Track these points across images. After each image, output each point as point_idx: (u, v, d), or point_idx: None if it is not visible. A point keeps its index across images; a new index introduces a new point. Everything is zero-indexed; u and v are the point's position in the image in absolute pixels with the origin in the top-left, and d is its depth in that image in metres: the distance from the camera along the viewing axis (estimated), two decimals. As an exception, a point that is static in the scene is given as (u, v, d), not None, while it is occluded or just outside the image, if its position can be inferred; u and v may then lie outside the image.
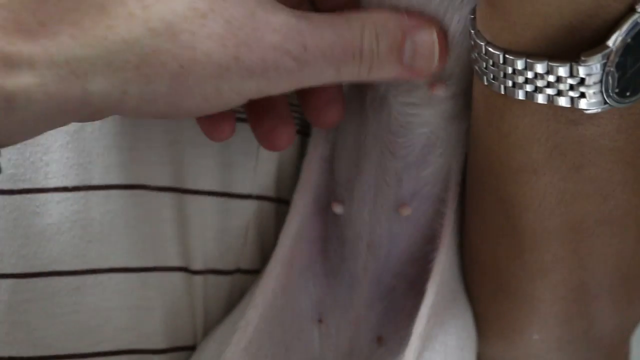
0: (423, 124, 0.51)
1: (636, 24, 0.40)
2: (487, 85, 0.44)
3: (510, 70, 0.43)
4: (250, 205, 0.54)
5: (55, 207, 0.50)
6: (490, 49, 0.43)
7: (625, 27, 0.40)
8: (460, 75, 0.49)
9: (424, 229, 0.53)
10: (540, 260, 0.49)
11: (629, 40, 0.41)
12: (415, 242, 0.53)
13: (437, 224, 0.52)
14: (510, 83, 0.43)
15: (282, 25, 0.43)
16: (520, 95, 0.43)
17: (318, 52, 0.44)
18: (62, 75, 0.39)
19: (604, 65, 0.41)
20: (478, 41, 0.44)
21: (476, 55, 0.44)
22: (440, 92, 0.50)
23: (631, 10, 0.40)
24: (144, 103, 0.42)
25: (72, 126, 0.50)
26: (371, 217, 0.53)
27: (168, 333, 0.53)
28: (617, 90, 0.42)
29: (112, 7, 0.41)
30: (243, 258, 0.55)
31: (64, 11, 0.40)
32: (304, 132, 0.56)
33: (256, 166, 0.54)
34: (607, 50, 0.41)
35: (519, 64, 0.42)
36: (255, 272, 0.55)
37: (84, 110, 0.41)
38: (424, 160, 0.52)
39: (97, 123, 0.51)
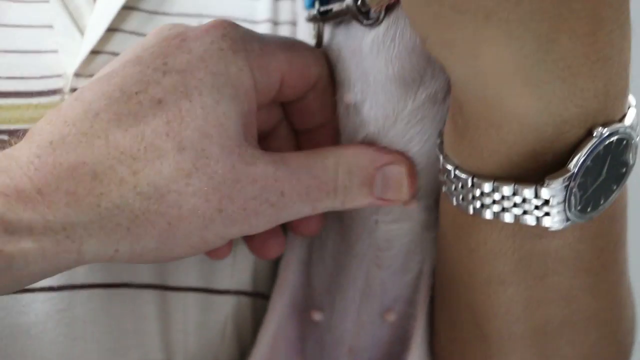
0: (405, 235, 0.53)
1: (594, 147, 0.43)
2: (455, 205, 0.47)
3: (478, 192, 0.45)
4: (229, 301, 0.56)
5: (41, 306, 0.51)
6: (458, 173, 0.45)
7: (584, 151, 0.43)
8: (431, 190, 0.52)
9: (400, 330, 0.55)
10: None
11: (588, 162, 0.43)
12: (393, 343, 0.56)
13: (409, 325, 0.55)
14: (478, 204, 0.45)
15: (260, 176, 0.47)
16: (488, 215, 0.45)
17: (295, 196, 0.48)
18: (59, 240, 0.43)
19: (567, 187, 0.43)
20: (446, 165, 0.46)
21: (445, 177, 0.47)
22: (414, 206, 0.52)
23: (589, 135, 0.43)
24: (134, 256, 0.46)
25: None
26: (355, 325, 0.55)
27: None
28: (579, 208, 0.44)
29: (103, 174, 0.44)
30: (222, 353, 0.56)
31: (59, 179, 0.44)
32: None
33: (234, 262, 0.56)
34: (569, 174, 0.43)
35: (487, 187, 0.44)
36: None
37: (77, 265, 0.45)
38: (406, 267, 0.54)
39: None
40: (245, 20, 0.57)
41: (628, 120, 0.44)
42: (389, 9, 0.49)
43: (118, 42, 0.55)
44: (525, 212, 0.44)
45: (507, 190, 0.44)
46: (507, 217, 0.45)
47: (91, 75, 0.53)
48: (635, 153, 0.45)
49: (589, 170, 0.43)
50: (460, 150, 0.45)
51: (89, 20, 0.55)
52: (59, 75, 0.54)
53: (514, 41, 0.40)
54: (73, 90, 0.53)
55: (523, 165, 0.44)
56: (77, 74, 0.53)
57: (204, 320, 0.55)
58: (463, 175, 0.45)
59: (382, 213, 0.53)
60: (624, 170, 0.45)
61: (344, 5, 0.50)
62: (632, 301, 0.53)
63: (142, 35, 0.55)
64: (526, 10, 0.39)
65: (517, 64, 0.41)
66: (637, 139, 0.45)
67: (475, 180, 0.45)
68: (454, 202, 0.47)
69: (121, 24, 0.55)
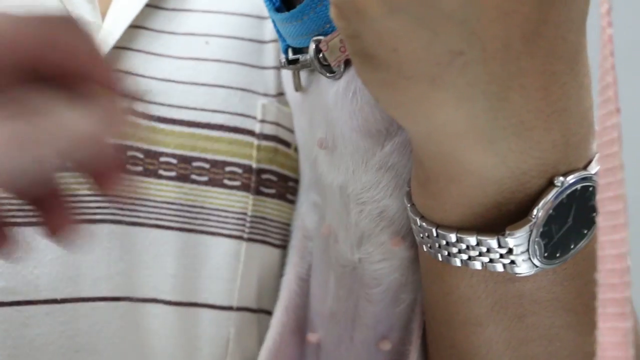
0: (394, 271, 0.54)
1: (556, 196, 0.42)
2: (425, 252, 0.47)
3: (444, 242, 0.45)
4: (232, 317, 0.57)
5: (44, 319, 0.53)
6: (423, 223, 0.45)
7: (545, 201, 0.42)
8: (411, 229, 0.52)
9: (396, 358, 0.56)
10: None
11: (551, 211, 0.43)
12: None
13: (405, 353, 0.55)
14: (445, 252, 0.45)
15: None
16: (457, 262, 0.45)
17: None
18: None
19: (529, 236, 0.43)
20: (412, 215, 0.46)
21: (413, 225, 0.47)
22: (399, 246, 0.52)
23: (550, 184, 0.42)
24: None
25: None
26: (349, 351, 0.56)
27: None
28: (545, 255, 0.44)
29: None
30: None
31: None
32: (284, 247, 0.60)
33: (237, 279, 0.57)
34: (530, 223, 0.43)
35: (451, 238, 0.44)
36: None
37: None
38: (398, 299, 0.55)
39: (85, 239, 0.53)
40: (252, 40, 0.58)
41: (594, 167, 0.43)
42: (348, 63, 0.49)
43: (125, 60, 0.56)
44: (491, 260, 0.44)
45: (470, 240, 0.44)
46: (475, 265, 0.45)
47: None
48: None
49: (552, 219, 0.43)
50: (424, 201, 0.45)
51: (97, 39, 0.55)
52: None
53: (463, 103, 0.39)
54: None
55: (486, 215, 0.43)
56: None
57: (208, 336, 0.56)
58: (428, 226, 0.45)
59: (364, 252, 0.53)
60: (594, 214, 0.44)
61: (307, 57, 0.50)
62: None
63: (149, 53, 0.56)
64: (473, 73, 0.39)
65: (469, 123, 0.40)
66: None
67: (439, 230, 0.45)
68: (424, 249, 0.47)
69: (129, 43, 0.56)
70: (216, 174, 0.57)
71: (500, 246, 0.43)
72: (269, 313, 0.58)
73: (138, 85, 0.55)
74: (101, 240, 0.54)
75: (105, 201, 0.54)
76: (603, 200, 0.34)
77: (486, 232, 0.43)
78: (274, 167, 0.59)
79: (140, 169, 0.55)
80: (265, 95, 0.59)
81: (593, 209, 0.44)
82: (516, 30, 0.38)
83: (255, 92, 0.59)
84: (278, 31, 0.52)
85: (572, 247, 0.44)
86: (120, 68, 0.55)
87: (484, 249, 0.44)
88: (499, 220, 0.43)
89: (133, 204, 0.55)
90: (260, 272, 0.58)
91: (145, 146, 0.56)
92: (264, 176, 0.58)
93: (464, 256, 0.45)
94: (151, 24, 0.57)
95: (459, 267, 0.46)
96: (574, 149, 0.42)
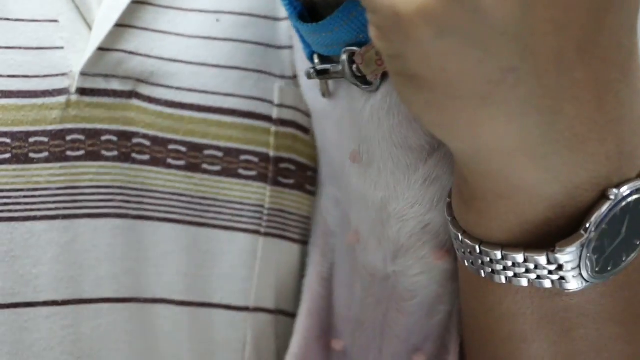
0: (432, 283, 0.51)
1: (610, 209, 0.41)
2: (467, 267, 0.45)
3: (487, 259, 0.43)
4: (247, 318, 0.54)
5: (44, 322, 0.50)
6: (466, 239, 0.43)
7: (599, 215, 0.41)
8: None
9: None
10: None
11: (604, 225, 0.41)
12: None
13: None
14: (489, 269, 0.43)
15: None
16: (501, 279, 0.43)
17: None
18: None
19: (581, 251, 0.41)
20: (454, 230, 0.44)
21: (454, 240, 0.45)
22: (444, 259, 0.50)
23: (603, 197, 0.41)
24: None
25: (63, 238, 0.50)
26: None
27: None
28: (597, 269, 0.42)
29: None
30: None
31: None
32: (304, 242, 0.56)
33: (254, 277, 0.54)
34: (582, 239, 0.41)
35: (496, 255, 0.42)
36: None
37: None
38: (433, 310, 0.52)
39: (88, 234, 0.50)
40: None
41: None
42: (386, 74, 0.46)
43: (128, 38, 0.52)
44: (539, 277, 0.42)
45: (517, 257, 0.42)
46: (522, 282, 0.43)
47: (99, 75, 0.50)
48: None
49: (605, 233, 0.41)
50: (467, 218, 0.43)
51: (97, 15, 0.51)
52: (64, 74, 0.51)
53: (515, 119, 0.38)
54: (79, 90, 0.50)
55: (534, 231, 0.42)
56: (84, 73, 0.51)
57: (222, 338, 0.53)
58: (471, 242, 0.43)
59: (400, 266, 0.51)
60: None
61: (339, 68, 0.48)
62: None
63: (155, 31, 0.52)
64: (526, 89, 0.37)
65: (520, 140, 0.39)
66: None
67: (482, 247, 0.43)
68: (465, 264, 0.45)
69: (132, 20, 0.52)
70: (230, 163, 0.54)
71: (549, 262, 0.42)
72: (287, 314, 0.56)
73: (143, 66, 0.52)
74: (104, 236, 0.51)
75: (109, 193, 0.50)
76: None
77: (534, 249, 0.41)
78: (292, 156, 0.55)
79: (147, 157, 0.52)
80: (282, 77, 0.55)
81: None
82: (571, 41, 0.37)
83: (272, 74, 0.55)
84: (301, 37, 0.50)
85: (624, 259, 0.42)
86: (123, 48, 0.52)
87: (532, 266, 0.42)
88: (547, 235, 0.41)
89: (139, 195, 0.51)
90: (279, 269, 0.55)
91: (152, 133, 0.52)
92: (282, 165, 0.55)
93: (510, 273, 0.43)
94: (157, 0, 0.53)
95: (503, 283, 0.44)
96: (628, 159, 0.41)
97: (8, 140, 0.49)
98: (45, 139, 0.50)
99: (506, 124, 0.38)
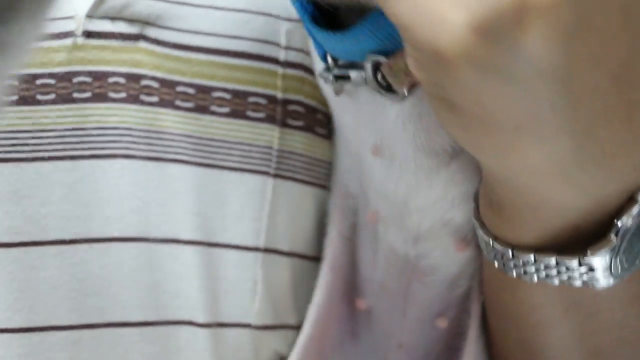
0: (451, 265, 0.52)
1: (638, 213, 0.41)
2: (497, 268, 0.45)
3: (520, 262, 0.43)
4: (258, 258, 0.54)
5: (52, 261, 0.50)
6: (497, 245, 0.44)
7: (628, 218, 0.41)
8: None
9: (454, 333, 0.54)
10: None
11: (633, 229, 0.41)
12: (447, 345, 0.54)
13: (463, 330, 0.53)
14: (521, 271, 0.44)
15: None
16: (534, 279, 0.44)
17: None
18: None
19: (612, 254, 0.41)
20: (484, 236, 0.44)
21: (483, 244, 0.45)
22: (466, 250, 0.51)
23: (632, 200, 0.41)
24: None
25: (70, 178, 0.50)
26: (402, 325, 0.54)
27: None
28: (626, 267, 0.42)
29: None
30: (252, 313, 0.54)
31: None
32: (323, 186, 0.56)
33: (264, 218, 0.54)
34: (612, 244, 0.41)
35: (529, 258, 0.43)
36: (265, 328, 0.54)
37: None
38: (454, 285, 0.52)
39: (96, 175, 0.50)
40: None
41: None
42: (414, 85, 0.45)
43: None
44: (569, 278, 0.43)
45: (550, 261, 0.43)
46: (554, 281, 0.44)
47: (105, 17, 0.51)
48: None
49: (634, 236, 0.42)
50: (497, 224, 0.44)
51: None
52: (70, 17, 0.51)
53: (547, 144, 0.38)
54: (85, 32, 0.50)
55: (565, 236, 0.42)
56: (90, 15, 0.51)
57: (232, 277, 0.53)
58: (502, 247, 0.44)
59: (421, 249, 0.51)
60: None
61: (362, 76, 0.46)
62: None
63: None
64: (560, 118, 0.37)
65: (549, 161, 0.39)
66: None
67: (514, 252, 0.43)
68: (496, 265, 0.45)
69: None
70: (238, 105, 0.53)
71: (581, 265, 0.42)
72: (304, 257, 0.55)
73: (149, 9, 0.52)
74: (111, 176, 0.51)
75: (116, 134, 0.51)
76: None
77: (566, 253, 0.42)
78: (300, 98, 0.55)
79: (155, 99, 0.52)
80: (289, 19, 0.55)
81: None
82: (608, 74, 0.37)
83: (278, 16, 0.54)
84: (313, 37, 0.48)
85: None
86: None
87: (564, 269, 0.43)
88: (578, 239, 0.42)
89: (147, 137, 0.52)
90: (291, 211, 0.55)
91: (160, 75, 0.52)
92: (291, 107, 0.54)
93: (542, 274, 0.43)
94: None
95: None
96: None
97: (15, 83, 0.50)
98: (52, 81, 0.50)
99: (538, 149, 0.38)
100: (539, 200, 0.41)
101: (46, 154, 0.50)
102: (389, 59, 0.45)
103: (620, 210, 0.41)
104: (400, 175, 0.48)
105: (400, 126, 0.47)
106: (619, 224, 0.41)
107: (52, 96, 0.50)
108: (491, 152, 0.40)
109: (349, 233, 0.54)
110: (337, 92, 0.49)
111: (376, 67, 0.45)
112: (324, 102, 0.55)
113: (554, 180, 0.39)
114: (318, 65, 0.50)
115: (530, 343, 0.49)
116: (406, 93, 0.45)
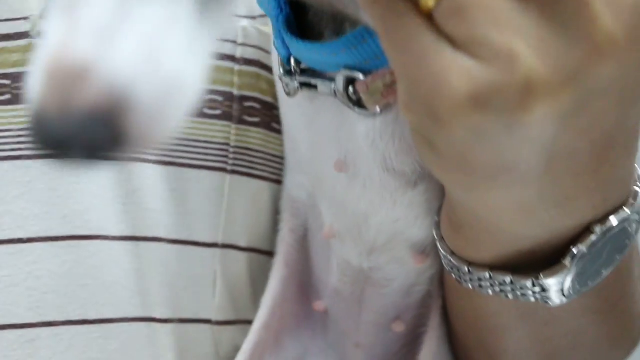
0: (407, 275, 0.51)
1: (593, 243, 0.41)
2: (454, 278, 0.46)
3: (475, 277, 0.44)
4: (216, 254, 0.54)
5: (9, 259, 0.50)
6: (453, 260, 0.44)
7: (583, 249, 0.41)
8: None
9: (411, 339, 0.54)
10: None
11: (587, 256, 0.42)
12: (404, 348, 0.54)
13: (421, 332, 0.53)
14: (476, 285, 0.44)
15: None
16: (489, 292, 0.44)
17: None
18: None
19: (564, 278, 0.42)
20: (442, 250, 0.45)
21: (442, 257, 0.45)
22: (424, 263, 0.50)
23: (587, 231, 0.41)
24: None
25: (26, 177, 0.50)
26: (359, 327, 0.54)
27: None
28: (577, 288, 0.43)
29: None
30: (212, 308, 0.54)
31: None
32: (280, 182, 0.56)
33: (222, 214, 0.54)
34: (566, 270, 0.42)
35: (484, 275, 0.44)
36: (226, 323, 0.55)
37: None
38: (410, 291, 0.52)
39: (52, 174, 0.50)
40: None
41: (632, 207, 0.42)
42: (388, 106, 0.44)
43: None
44: (523, 295, 0.44)
45: (505, 279, 0.43)
46: (508, 296, 0.44)
47: None
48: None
49: (587, 260, 0.42)
50: (456, 242, 0.44)
51: None
52: (25, 18, 0.51)
53: (515, 190, 0.38)
54: (40, 33, 0.51)
55: (519, 258, 0.43)
56: (45, 16, 0.51)
57: (194, 274, 0.54)
58: (458, 263, 0.44)
59: (374, 262, 0.51)
60: (627, 241, 0.43)
61: (330, 88, 0.45)
62: (635, 289, 0.51)
63: None
64: (534, 171, 0.37)
65: (515, 202, 0.39)
66: None
67: (470, 268, 0.44)
68: (453, 277, 0.46)
69: None
70: None
71: (534, 285, 0.43)
72: (261, 252, 0.56)
73: None
74: (69, 175, 0.51)
75: None
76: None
77: (521, 274, 0.43)
78: (256, 94, 0.55)
79: None
80: (245, 17, 0.55)
81: (627, 237, 0.43)
82: (589, 140, 0.37)
83: (234, 13, 0.55)
84: (281, 39, 0.46)
85: (603, 273, 0.44)
86: None
87: (518, 287, 0.43)
88: (532, 262, 0.43)
89: None
90: (247, 207, 0.55)
91: None
92: (247, 104, 0.55)
93: (497, 289, 0.44)
94: None
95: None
96: (613, 203, 0.41)
97: None
98: (7, 82, 0.50)
99: (506, 192, 0.38)
100: (496, 228, 0.41)
101: (2, 154, 0.50)
102: (367, 78, 0.43)
103: (576, 239, 0.41)
104: (363, 193, 0.48)
105: (369, 143, 0.46)
106: (575, 251, 0.41)
107: (7, 97, 0.50)
108: (460, 187, 0.40)
109: (301, 232, 0.54)
110: (289, 93, 0.48)
111: (349, 82, 0.44)
112: None
113: (515, 216, 0.40)
114: (276, 66, 0.49)
115: (489, 345, 0.50)
116: (379, 111, 0.44)
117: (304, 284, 0.55)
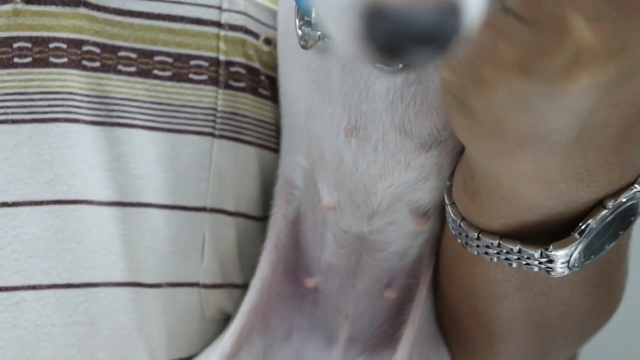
0: (405, 238, 0.52)
1: (603, 217, 0.42)
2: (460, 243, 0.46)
3: (484, 244, 0.45)
4: (205, 218, 0.54)
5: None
6: (464, 226, 0.45)
7: (594, 222, 0.42)
8: (439, 207, 0.50)
9: (401, 304, 0.54)
10: (507, 349, 0.53)
11: (597, 229, 0.43)
12: (395, 315, 0.54)
13: (411, 297, 0.53)
14: (482, 251, 0.45)
15: None
16: (493, 260, 0.45)
17: None
18: None
19: (573, 251, 0.43)
20: (453, 215, 0.45)
21: (450, 222, 0.46)
22: (425, 225, 0.51)
23: (600, 206, 0.42)
24: None
25: (12, 141, 0.50)
26: (351, 296, 0.54)
27: (114, 352, 0.52)
28: (582, 260, 0.44)
29: None
30: (200, 272, 0.55)
31: None
32: (268, 147, 0.56)
33: (209, 179, 0.54)
34: (576, 242, 0.43)
35: (493, 243, 0.44)
36: (213, 286, 0.55)
37: None
38: (405, 254, 0.53)
39: (38, 138, 0.50)
40: None
41: None
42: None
43: None
44: (529, 264, 0.45)
45: (513, 248, 0.44)
46: (512, 265, 0.45)
47: None
48: None
49: (596, 235, 0.43)
50: (468, 208, 0.45)
51: None
52: None
53: (540, 159, 0.39)
54: None
55: (530, 227, 0.44)
56: None
57: (184, 238, 0.54)
58: (469, 229, 0.45)
59: (376, 225, 0.51)
60: (632, 218, 0.44)
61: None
62: (626, 264, 0.52)
63: None
64: (563, 142, 0.38)
65: (537, 171, 0.40)
66: None
67: (480, 235, 0.45)
68: (459, 241, 0.46)
69: None
70: (180, 68, 0.54)
71: (542, 256, 0.44)
72: (251, 217, 0.56)
73: None
74: (54, 139, 0.51)
75: (57, 99, 0.51)
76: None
77: (530, 244, 0.44)
78: (242, 60, 0.55)
79: (97, 64, 0.52)
80: None
81: (633, 213, 0.44)
82: (621, 114, 0.38)
83: None
84: None
85: (606, 247, 0.45)
86: None
87: (525, 256, 0.44)
88: (542, 234, 0.43)
89: (90, 102, 0.52)
90: (235, 171, 0.55)
91: (101, 40, 0.52)
92: (233, 69, 0.55)
93: (502, 257, 0.45)
94: None
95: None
96: (629, 179, 0.42)
97: None
98: None
99: (531, 160, 0.39)
100: (513, 196, 0.42)
101: None
102: None
103: (588, 212, 0.42)
104: (374, 157, 0.48)
105: (388, 103, 0.46)
106: (586, 224, 0.42)
107: None
108: (487, 153, 0.40)
109: (292, 218, 0.54)
110: (305, 45, 0.47)
111: None
112: (266, 64, 0.55)
113: (534, 185, 0.41)
114: (284, 22, 0.48)
115: (482, 311, 0.51)
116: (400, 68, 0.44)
117: (293, 265, 0.55)
